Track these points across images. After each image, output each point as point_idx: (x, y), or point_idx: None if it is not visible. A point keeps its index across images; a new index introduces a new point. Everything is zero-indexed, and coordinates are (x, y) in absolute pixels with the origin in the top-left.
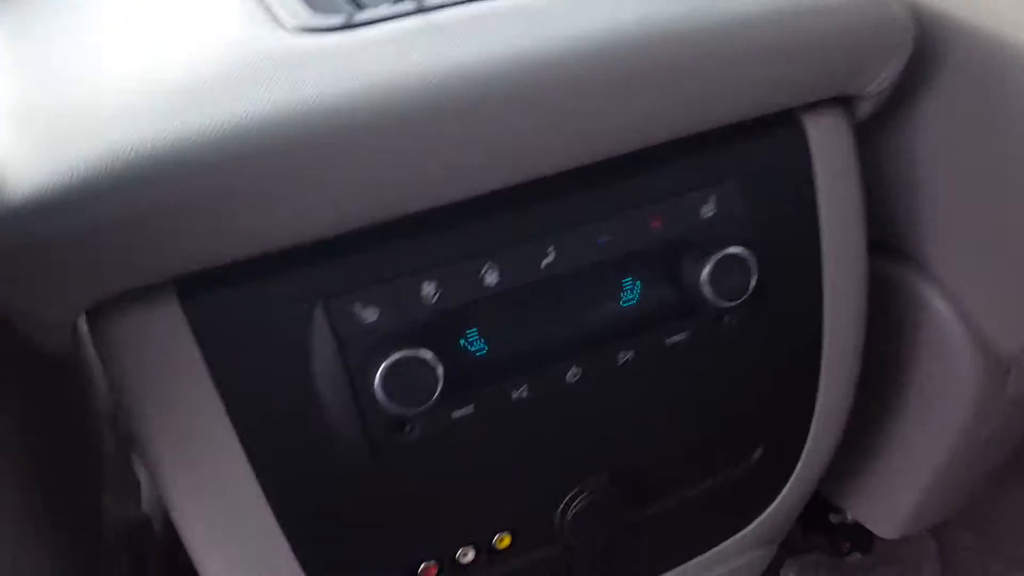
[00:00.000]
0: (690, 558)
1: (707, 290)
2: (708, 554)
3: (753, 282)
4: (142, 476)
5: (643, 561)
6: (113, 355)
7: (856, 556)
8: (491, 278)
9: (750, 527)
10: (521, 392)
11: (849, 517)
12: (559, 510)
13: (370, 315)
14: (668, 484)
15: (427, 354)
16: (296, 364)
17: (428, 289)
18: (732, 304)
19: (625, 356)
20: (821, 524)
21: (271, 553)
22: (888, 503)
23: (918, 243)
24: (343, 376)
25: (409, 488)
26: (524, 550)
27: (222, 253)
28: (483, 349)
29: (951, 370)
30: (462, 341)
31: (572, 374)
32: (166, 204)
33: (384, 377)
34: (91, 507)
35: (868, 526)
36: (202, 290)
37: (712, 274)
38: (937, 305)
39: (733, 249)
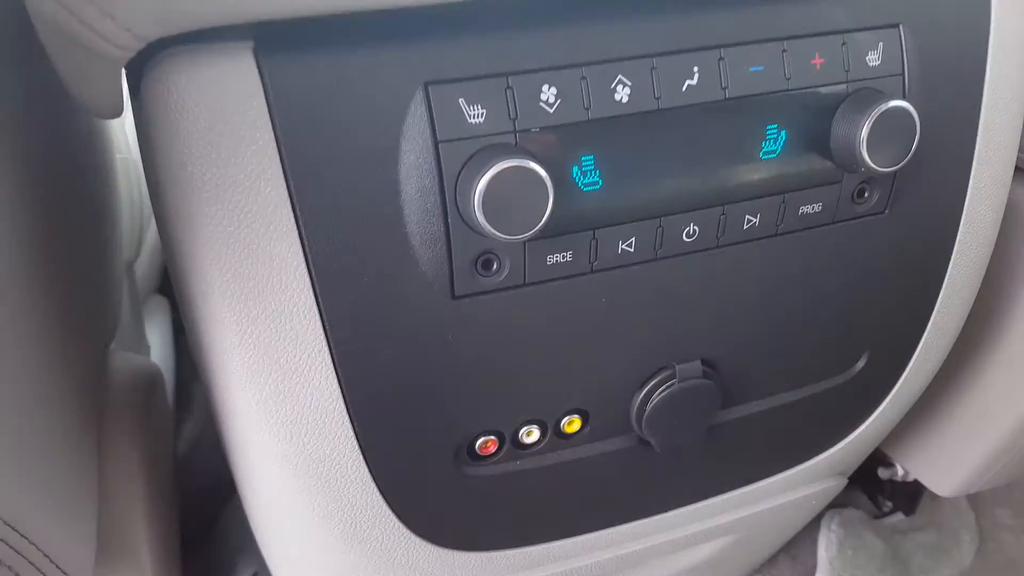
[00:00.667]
0: (764, 477)
1: (863, 149)
2: (784, 475)
3: (913, 147)
4: (152, 340)
5: (716, 473)
6: (165, 111)
7: (897, 516)
8: (622, 94)
9: (834, 449)
10: (628, 244)
11: (900, 473)
12: (639, 397)
13: (476, 114)
14: (762, 384)
15: (540, 170)
16: (381, 160)
17: (548, 94)
18: (886, 170)
19: (751, 221)
20: (867, 479)
21: (319, 385)
22: (951, 460)
23: None
24: (435, 183)
25: (480, 345)
26: (593, 437)
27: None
28: (596, 183)
29: None
30: (575, 169)
31: (689, 232)
32: None
33: (486, 190)
34: (98, 349)
35: (924, 482)
36: (283, 51)
37: (872, 131)
38: None
39: (899, 103)
